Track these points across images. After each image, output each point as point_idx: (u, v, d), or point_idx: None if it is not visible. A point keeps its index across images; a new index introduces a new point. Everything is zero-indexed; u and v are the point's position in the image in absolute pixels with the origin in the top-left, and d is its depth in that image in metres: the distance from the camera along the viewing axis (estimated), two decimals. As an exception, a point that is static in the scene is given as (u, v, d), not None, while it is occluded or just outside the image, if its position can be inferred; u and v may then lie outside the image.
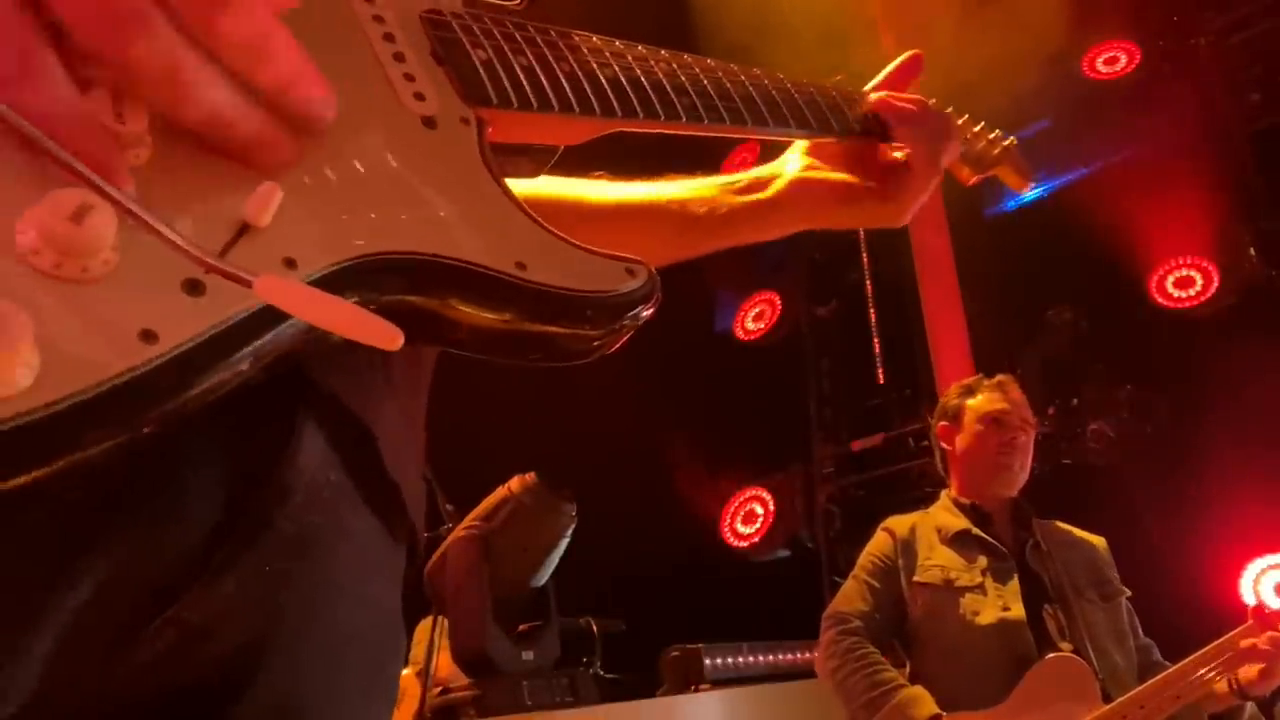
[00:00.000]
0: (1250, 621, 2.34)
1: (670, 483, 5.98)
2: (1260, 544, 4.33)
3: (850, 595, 2.67)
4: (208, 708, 0.55)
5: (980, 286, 5.41)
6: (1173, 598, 3.37)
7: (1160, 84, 5.23)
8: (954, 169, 1.18)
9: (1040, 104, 5.42)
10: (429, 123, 0.63)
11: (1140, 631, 2.66)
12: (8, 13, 0.45)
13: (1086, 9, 5.16)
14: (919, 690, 2.47)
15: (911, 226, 5.99)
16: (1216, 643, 2.35)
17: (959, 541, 2.65)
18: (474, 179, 0.63)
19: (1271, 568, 4.31)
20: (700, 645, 4.07)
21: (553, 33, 0.76)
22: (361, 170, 0.57)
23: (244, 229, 0.50)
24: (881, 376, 6.07)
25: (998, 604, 2.51)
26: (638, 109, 0.78)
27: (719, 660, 4.11)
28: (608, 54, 0.79)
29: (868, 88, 1.12)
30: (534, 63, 0.72)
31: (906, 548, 2.67)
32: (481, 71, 0.69)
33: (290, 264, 0.51)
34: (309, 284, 0.50)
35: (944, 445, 2.85)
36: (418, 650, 3.34)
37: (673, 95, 0.81)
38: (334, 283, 0.52)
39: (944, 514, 2.74)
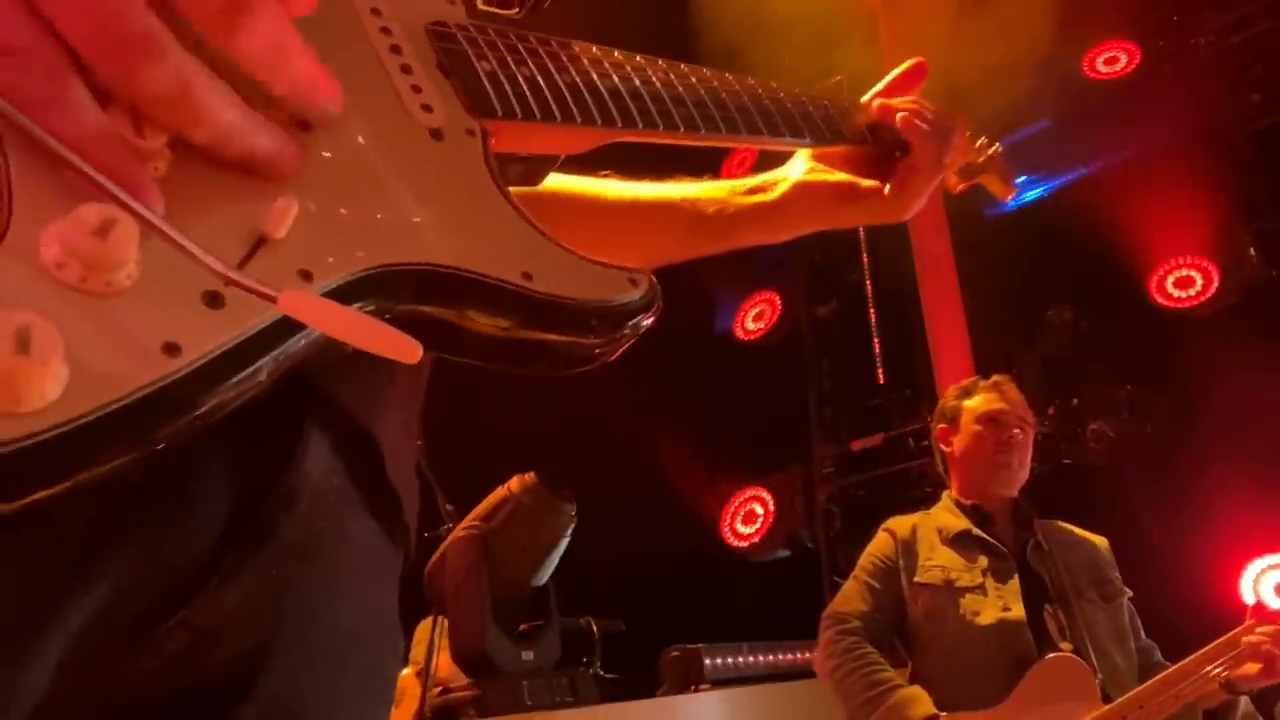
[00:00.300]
0: (1250, 620, 2.35)
1: (670, 483, 5.99)
2: (1260, 544, 4.33)
3: (850, 595, 2.67)
4: (212, 711, 0.56)
5: (980, 286, 5.41)
6: (1173, 598, 3.38)
7: (1160, 84, 5.23)
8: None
9: (1040, 104, 5.42)
10: (436, 134, 0.64)
11: (1142, 632, 2.66)
12: (34, 38, 0.45)
13: (1086, 9, 5.16)
14: (916, 690, 2.47)
15: (911, 227, 6.01)
16: (1217, 642, 2.35)
17: (959, 542, 2.65)
18: (480, 190, 0.64)
19: (1271, 568, 4.32)
20: (700, 645, 4.07)
21: (554, 43, 0.78)
22: (371, 182, 0.58)
23: (261, 241, 0.51)
24: (881, 376, 6.07)
25: (998, 604, 2.52)
26: (637, 119, 0.79)
27: (719, 660, 4.11)
28: (607, 64, 0.80)
29: (868, 96, 1.13)
30: (536, 73, 0.74)
31: (907, 548, 2.67)
32: (486, 83, 0.70)
33: (306, 276, 0.52)
34: (325, 295, 0.51)
35: (943, 447, 2.86)
36: (418, 650, 3.34)
37: (670, 105, 0.83)
38: (348, 294, 0.53)
39: (945, 514, 2.74)
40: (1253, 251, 4.86)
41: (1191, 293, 4.99)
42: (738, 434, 6.13)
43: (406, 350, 0.49)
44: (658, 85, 0.83)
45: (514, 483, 3.45)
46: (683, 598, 5.28)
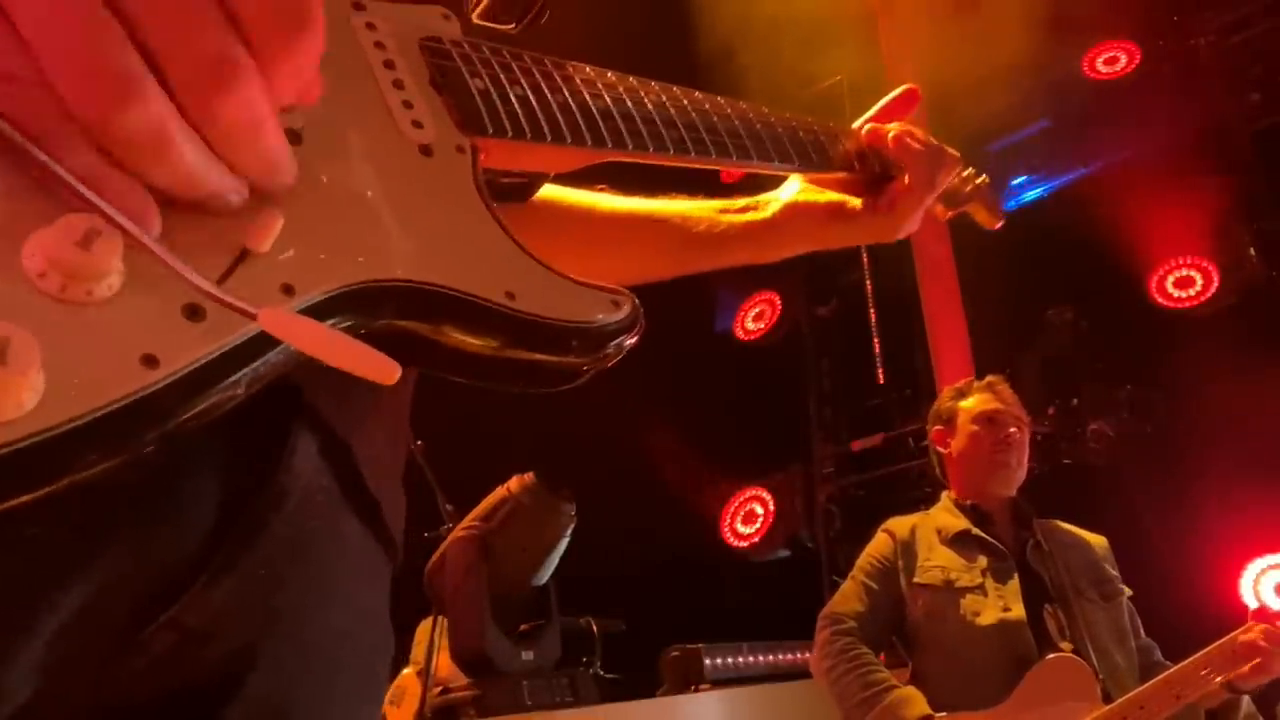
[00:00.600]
0: (1250, 622, 2.35)
1: (670, 483, 5.98)
2: (1260, 544, 4.33)
3: (847, 596, 2.68)
4: (201, 711, 0.56)
5: (980, 286, 5.41)
6: (1173, 598, 3.37)
7: (1160, 84, 5.23)
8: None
9: (1040, 104, 5.43)
10: (425, 150, 0.64)
11: (1142, 631, 2.67)
12: (28, 64, 0.45)
13: (1086, 9, 5.16)
14: (911, 690, 2.47)
15: (911, 226, 5.97)
16: (1218, 643, 2.35)
17: (959, 542, 2.65)
18: (467, 207, 0.64)
19: (1271, 568, 4.32)
20: (700, 645, 4.07)
21: (548, 62, 0.78)
22: (358, 197, 0.58)
23: (244, 254, 0.51)
24: (881, 376, 6.07)
25: (998, 604, 2.52)
26: (627, 140, 0.80)
27: (719, 660, 4.11)
28: (600, 85, 0.81)
29: (859, 122, 1.14)
30: (529, 92, 0.74)
31: (906, 549, 2.67)
32: (478, 100, 0.70)
33: (288, 290, 0.52)
34: (305, 310, 0.51)
35: (940, 449, 2.87)
36: (418, 650, 3.34)
37: (661, 128, 0.84)
38: (329, 309, 0.53)
39: (944, 515, 2.74)
40: (1253, 251, 4.86)
41: (1191, 293, 4.99)
42: (738, 434, 6.13)
43: (384, 371, 0.49)
44: (649, 107, 0.84)
45: (513, 483, 3.45)
46: (683, 598, 5.28)
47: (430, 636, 3.19)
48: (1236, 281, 4.88)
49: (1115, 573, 2.69)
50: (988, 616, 2.50)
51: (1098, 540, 2.77)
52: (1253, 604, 4.24)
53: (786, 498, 6.07)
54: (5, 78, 0.44)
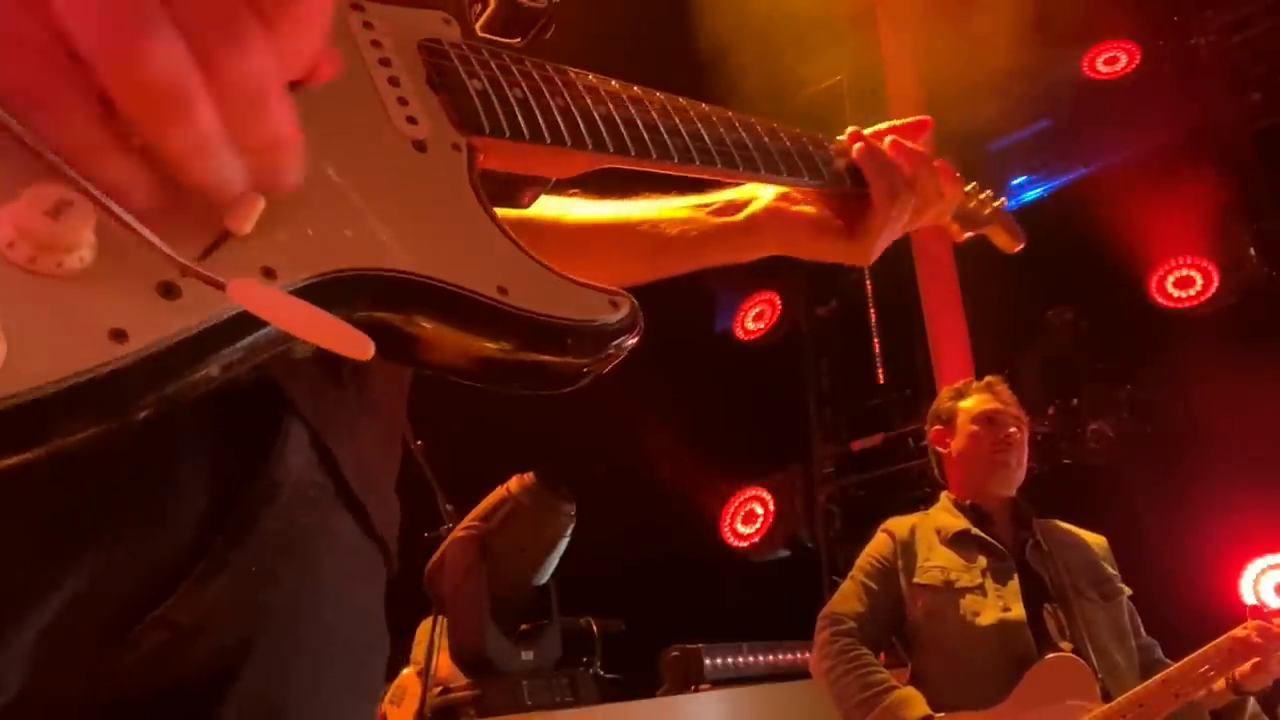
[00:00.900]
0: (1249, 620, 2.35)
1: (670, 483, 5.98)
2: (1260, 544, 4.33)
3: (846, 596, 2.68)
4: (194, 708, 0.56)
5: (980, 286, 5.41)
6: (1173, 598, 3.37)
7: (1160, 84, 5.23)
8: (943, 226, 1.18)
9: (1040, 104, 5.42)
10: (419, 146, 0.64)
11: (1142, 630, 2.67)
12: (36, 29, 0.43)
13: (1086, 9, 5.16)
14: (910, 691, 2.47)
15: (911, 226, 5.97)
16: (1215, 642, 2.35)
17: (958, 542, 2.65)
18: (461, 203, 0.64)
19: (1271, 568, 4.32)
20: (700, 645, 4.07)
21: (549, 68, 0.78)
22: (347, 187, 0.58)
23: (225, 236, 0.50)
24: (881, 376, 6.07)
25: (998, 604, 2.52)
26: (629, 146, 0.79)
27: (719, 660, 4.11)
28: (602, 91, 0.81)
29: (846, 134, 1.10)
30: (528, 95, 0.74)
31: (906, 549, 2.67)
32: (476, 100, 0.70)
33: (269, 273, 0.51)
34: (289, 293, 0.50)
35: (939, 449, 2.87)
36: (418, 650, 3.34)
37: (665, 135, 0.83)
38: (311, 295, 0.52)
39: (944, 515, 2.74)
40: (1253, 251, 4.86)
41: (1191, 293, 4.99)
42: (738, 434, 6.13)
43: (358, 347, 0.48)
44: (653, 115, 0.83)
45: (513, 483, 3.45)
46: (683, 598, 5.28)
47: (430, 636, 3.19)
48: (1236, 281, 4.88)
49: (1114, 572, 2.69)
50: (987, 616, 2.50)
51: (1097, 540, 2.77)
52: (1253, 604, 4.25)
53: (786, 498, 6.07)
54: (14, 41, 0.44)
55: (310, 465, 0.62)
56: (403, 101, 0.65)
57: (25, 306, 0.43)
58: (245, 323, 0.48)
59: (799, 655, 4.40)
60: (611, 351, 0.63)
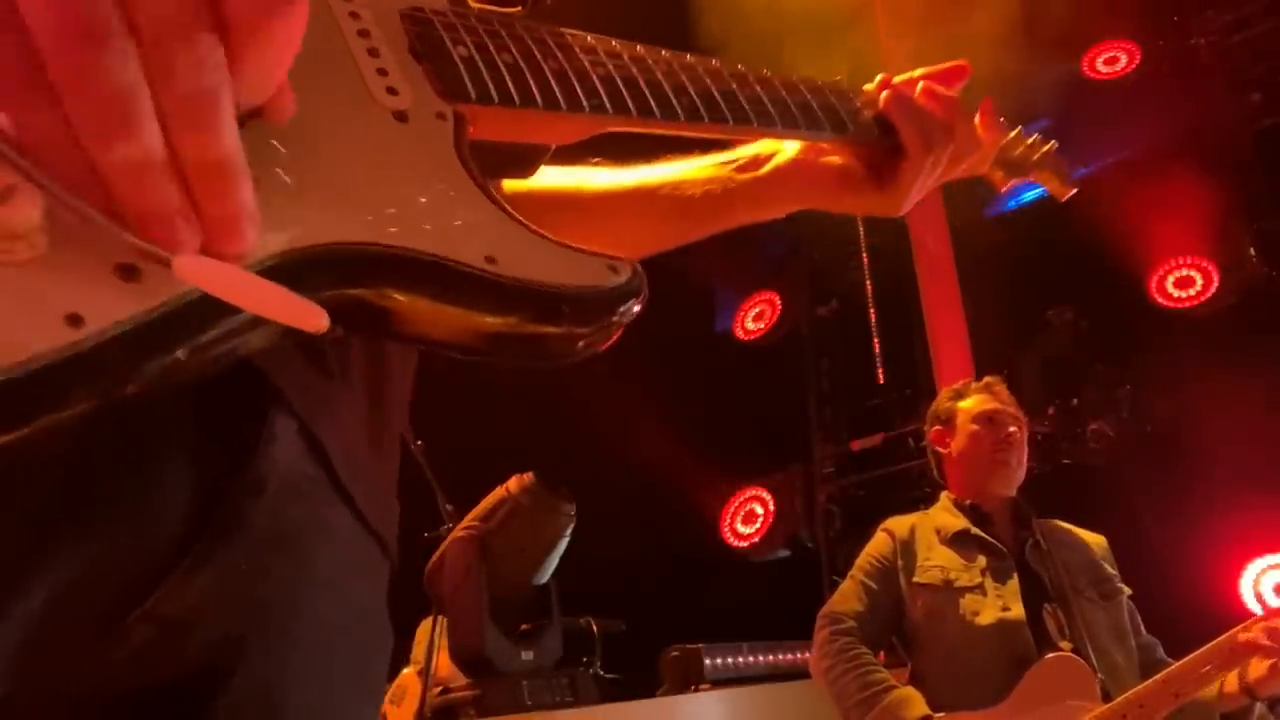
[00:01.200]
0: (1251, 620, 2.34)
1: (670, 483, 5.99)
2: (1260, 544, 4.33)
3: (846, 595, 2.68)
4: (189, 705, 0.55)
5: (980, 286, 5.41)
6: (1173, 598, 3.37)
7: (1160, 84, 5.23)
8: (987, 173, 1.13)
9: (1040, 104, 5.42)
10: (400, 116, 0.62)
11: (1143, 629, 2.66)
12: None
13: (1086, 9, 5.16)
14: (910, 691, 2.47)
15: (911, 226, 5.98)
16: (1216, 641, 2.34)
17: (958, 541, 2.65)
18: (445, 172, 0.61)
19: (1271, 568, 4.32)
20: (700, 645, 4.07)
21: (544, 31, 0.75)
22: (321, 161, 0.56)
23: None
24: (881, 376, 6.07)
25: (997, 604, 2.52)
26: (631, 107, 0.76)
27: (719, 660, 4.11)
28: (601, 52, 0.77)
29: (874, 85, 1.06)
30: (519, 59, 0.71)
31: (906, 548, 2.67)
32: (461, 67, 0.68)
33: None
34: (256, 272, 0.48)
35: (938, 449, 2.87)
36: (418, 650, 3.34)
37: (670, 93, 0.79)
38: (282, 271, 0.50)
39: (943, 514, 2.74)
40: (1253, 251, 4.86)
41: (1191, 293, 4.99)
42: (738, 434, 6.13)
43: (311, 319, 0.46)
44: (657, 74, 0.79)
45: (512, 483, 3.45)
46: (683, 598, 5.28)
47: (430, 636, 3.19)
48: (1236, 281, 4.88)
49: (1114, 572, 2.69)
50: (987, 616, 2.50)
51: (1096, 540, 2.77)
52: (1253, 603, 4.25)
53: (786, 498, 6.08)
54: None
55: (300, 457, 0.61)
56: (382, 72, 0.63)
57: None
58: (210, 303, 0.46)
59: (799, 655, 4.40)
60: (613, 319, 0.59)
